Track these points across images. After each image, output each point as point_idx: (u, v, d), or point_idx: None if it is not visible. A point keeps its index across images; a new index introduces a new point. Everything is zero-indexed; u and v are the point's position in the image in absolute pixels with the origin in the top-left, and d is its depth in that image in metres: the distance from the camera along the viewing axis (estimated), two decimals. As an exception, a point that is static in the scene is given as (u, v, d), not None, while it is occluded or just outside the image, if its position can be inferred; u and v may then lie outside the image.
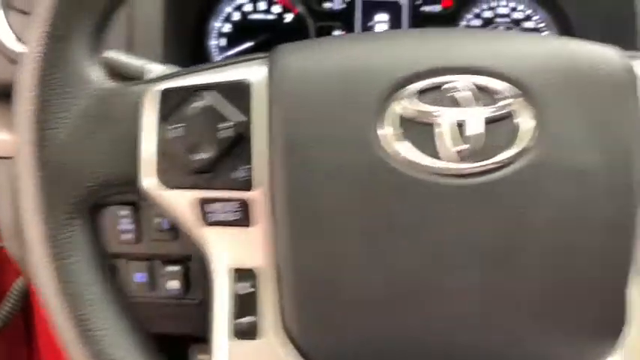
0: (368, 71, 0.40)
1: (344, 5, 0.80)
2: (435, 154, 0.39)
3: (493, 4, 0.81)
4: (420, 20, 0.81)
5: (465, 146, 0.39)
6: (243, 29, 0.79)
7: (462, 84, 0.40)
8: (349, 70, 0.40)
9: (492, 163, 0.39)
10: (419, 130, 0.39)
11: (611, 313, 0.42)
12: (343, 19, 0.80)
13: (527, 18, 0.81)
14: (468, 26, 0.81)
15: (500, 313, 0.40)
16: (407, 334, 0.41)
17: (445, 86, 0.40)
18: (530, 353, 0.41)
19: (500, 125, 0.40)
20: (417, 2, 0.81)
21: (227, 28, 0.79)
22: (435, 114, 0.39)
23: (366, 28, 0.81)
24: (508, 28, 0.81)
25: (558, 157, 0.40)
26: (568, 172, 0.40)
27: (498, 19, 0.81)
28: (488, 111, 0.40)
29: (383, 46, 0.41)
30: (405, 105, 0.39)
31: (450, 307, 0.40)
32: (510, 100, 0.40)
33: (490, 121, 0.40)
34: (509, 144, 0.39)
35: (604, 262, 0.41)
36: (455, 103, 0.40)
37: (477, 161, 0.39)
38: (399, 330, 0.41)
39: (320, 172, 0.39)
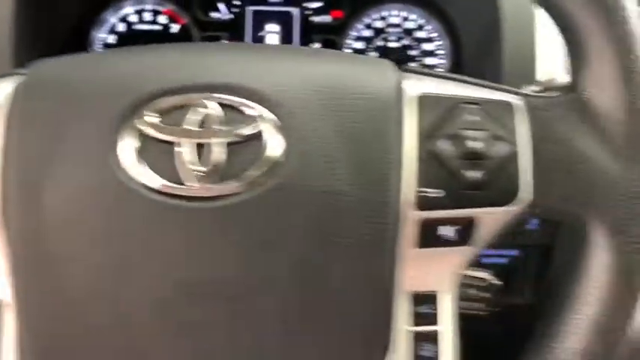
0: (110, 88, 0.39)
1: (232, 15, 0.80)
2: (174, 177, 0.38)
3: (384, 14, 0.80)
4: (311, 30, 0.80)
5: (204, 168, 0.38)
6: (129, 40, 0.79)
7: (207, 102, 0.38)
8: (92, 86, 0.39)
9: (236, 186, 0.38)
10: (159, 151, 0.38)
11: (373, 340, 0.40)
12: (231, 30, 0.79)
13: (419, 28, 0.80)
14: (359, 37, 0.80)
15: (248, 345, 0.39)
16: None
17: (190, 105, 0.39)
18: None
19: (245, 146, 0.38)
20: (308, 12, 0.80)
21: (112, 39, 0.79)
22: (176, 134, 0.38)
23: (257, 38, 0.80)
24: (399, 39, 0.80)
25: (309, 179, 0.38)
26: (319, 193, 0.38)
27: (390, 29, 0.80)
28: (234, 131, 0.38)
29: (129, 63, 0.40)
30: (147, 124, 0.38)
31: (192, 343, 0.38)
32: (259, 120, 0.38)
33: (235, 142, 0.38)
34: (255, 165, 0.38)
35: (361, 286, 0.39)
36: (198, 122, 0.38)
37: (219, 184, 0.38)
38: None
39: (54, 197, 0.38)
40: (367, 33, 0.80)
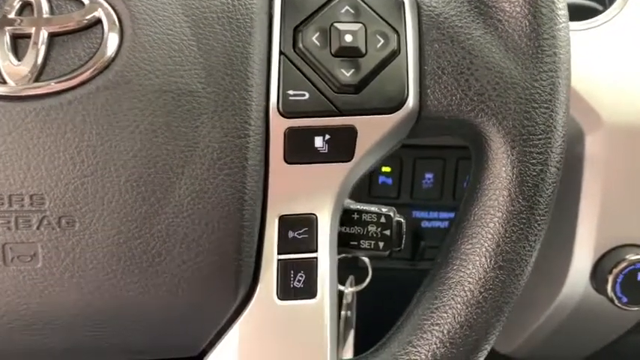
0: None
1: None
2: None
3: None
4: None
5: (24, 62, 0.32)
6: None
7: None
8: None
9: (62, 84, 0.32)
10: None
11: (235, 270, 0.34)
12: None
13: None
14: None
15: (84, 267, 0.33)
16: None
17: None
18: (129, 314, 0.34)
19: (76, 38, 0.33)
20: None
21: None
22: None
23: None
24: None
25: (150, 75, 0.32)
26: (161, 92, 0.33)
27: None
28: (61, 20, 0.33)
29: None
30: None
31: (17, 269, 0.32)
32: (92, 8, 0.33)
33: (63, 33, 0.33)
34: (86, 60, 0.32)
35: (219, 205, 0.33)
36: (18, 10, 0.33)
37: (43, 81, 0.32)
38: None
39: None
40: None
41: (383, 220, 0.42)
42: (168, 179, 0.32)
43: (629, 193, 0.58)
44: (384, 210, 0.42)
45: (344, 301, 0.58)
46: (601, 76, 0.56)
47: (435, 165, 0.67)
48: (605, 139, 0.57)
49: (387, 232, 0.41)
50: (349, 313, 0.60)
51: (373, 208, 0.42)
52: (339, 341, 0.51)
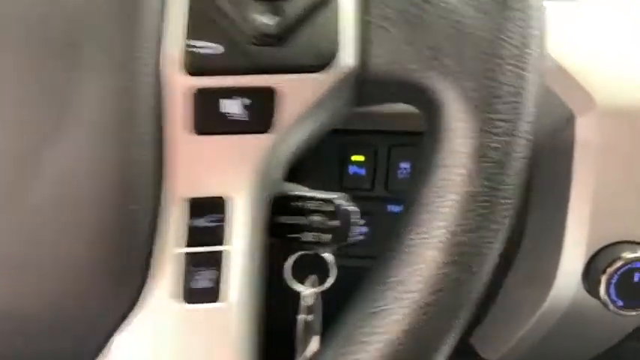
0: None
1: None
2: None
3: None
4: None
5: None
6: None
7: None
8: None
9: None
10: None
11: (121, 266, 0.28)
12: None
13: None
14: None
15: None
16: None
17: None
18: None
19: None
20: None
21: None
22: None
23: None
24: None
25: (15, 24, 0.27)
26: (31, 42, 0.27)
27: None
28: None
29: None
30: None
31: None
32: None
33: None
34: None
35: (105, 186, 0.27)
36: None
37: None
38: None
39: None
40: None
41: (329, 208, 0.35)
42: (36, 149, 0.26)
43: (625, 183, 0.53)
44: (333, 196, 0.35)
45: (302, 304, 0.53)
46: (591, 51, 0.51)
47: (412, 153, 0.61)
48: (598, 121, 0.51)
49: (334, 223, 0.35)
50: (310, 317, 0.55)
51: (318, 195, 0.36)
52: (298, 349, 0.45)
